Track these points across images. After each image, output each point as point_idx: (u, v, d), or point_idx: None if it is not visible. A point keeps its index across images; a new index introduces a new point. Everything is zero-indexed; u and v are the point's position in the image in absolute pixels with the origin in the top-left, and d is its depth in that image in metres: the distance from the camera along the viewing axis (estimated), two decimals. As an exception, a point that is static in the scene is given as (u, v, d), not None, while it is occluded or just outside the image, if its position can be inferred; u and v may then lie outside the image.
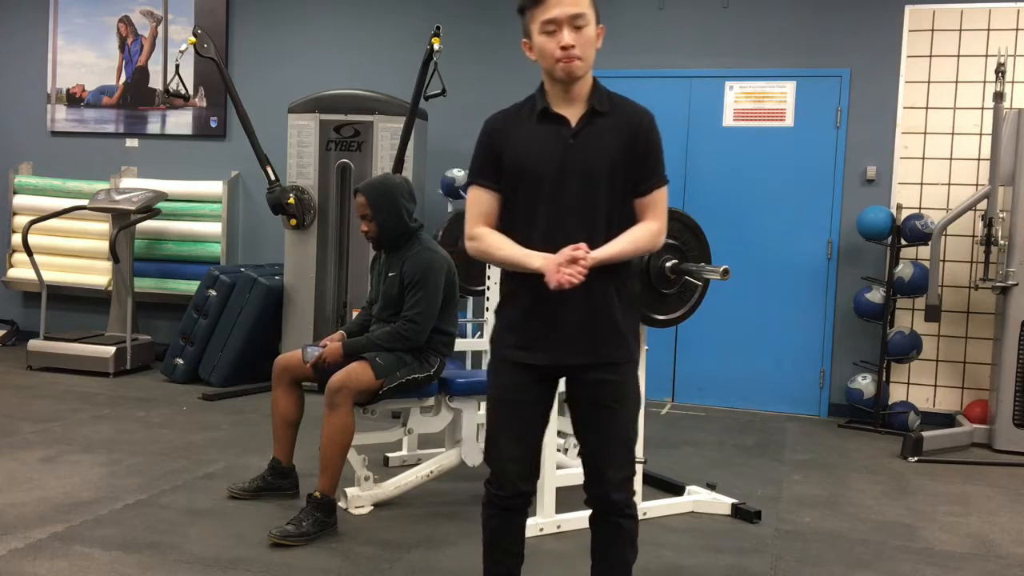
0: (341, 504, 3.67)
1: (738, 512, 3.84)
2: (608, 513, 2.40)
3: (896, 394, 5.78)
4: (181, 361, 6.11)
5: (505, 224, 2.37)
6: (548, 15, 2.24)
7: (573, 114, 2.32)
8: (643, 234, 2.32)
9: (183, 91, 6.20)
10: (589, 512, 2.45)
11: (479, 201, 2.39)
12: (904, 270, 5.47)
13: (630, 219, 2.34)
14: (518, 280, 2.34)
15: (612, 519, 2.40)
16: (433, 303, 3.65)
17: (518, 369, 2.37)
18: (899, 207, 5.60)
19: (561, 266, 2.19)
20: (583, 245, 2.20)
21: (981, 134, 5.61)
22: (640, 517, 3.71)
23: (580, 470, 3.94)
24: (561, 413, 3.17)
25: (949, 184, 5.71)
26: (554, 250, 2.23)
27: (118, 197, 6.44)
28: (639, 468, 3.79)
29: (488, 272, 4.53)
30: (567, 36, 2.23)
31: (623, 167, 2.30)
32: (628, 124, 2.32)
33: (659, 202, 2.35)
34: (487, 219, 2.38)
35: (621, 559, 2.43)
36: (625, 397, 2.36)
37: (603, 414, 2.35)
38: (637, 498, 3.75)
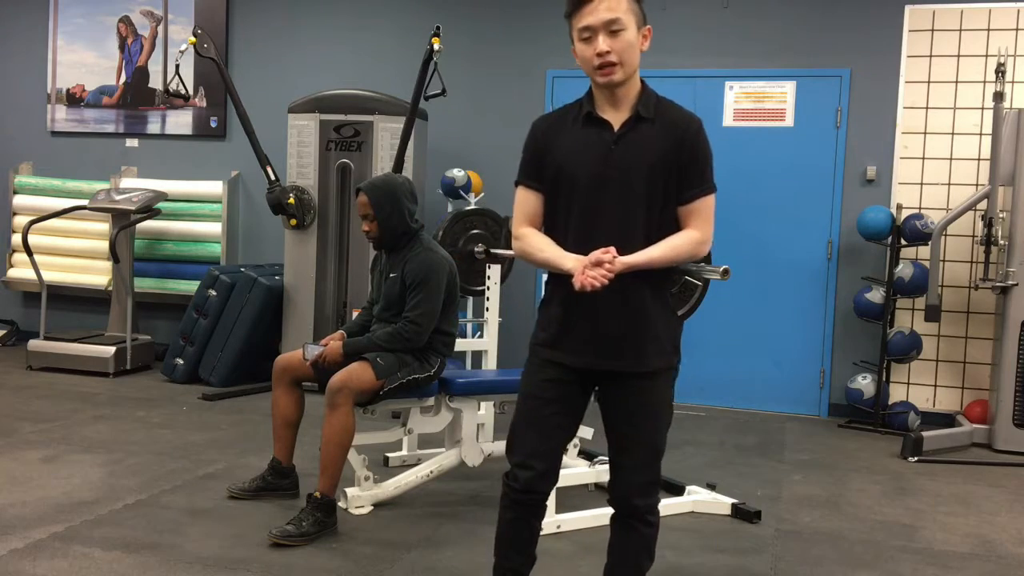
0: (341, 504, 3.67)
1: (738, 512, 3.84)
2: (628, 517, 2.39)
3: (896, 394, 5.78)
4: (181, 361, 6.11)
5: (547, 225, 2.38)
6: (583, 22, 2.24)
7: (618, 119, 2.30)
8: (683, 242, 2.29)
9: (183, 91, 6.20)
10: (610, 511, 2.44)
11: (524, 202, 2.40)
12: (904, 270, 5.47)
13: (673, 227, 2.31)
14: (557, 281, 2.35)
15: (631, 523, 2.39)
16: (435, 304, 3.65)
17: (548, 367, 2.37)
18: (899, 207, 5.60)
19: (587, 268, 2.18)
20: (612, 249, 2.19)
21: (981, 134, 5.61)
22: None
23: (580, 470, 3.98)
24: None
25: (949, 184, 5.71)
26: (587, 253, 2.22)
27: (118, 197, 6.44)
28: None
29: (488, 272, 4.54)
30: (602, 43, 2.22)
31: (664, 174, 2.27)
32: (673, 130, 2.29)
33: (703, 210, 2.30)
34: (531, 219, 2.39)
35: (635, 564, 2.42)
36: (657, 405, 2.34)
37: (632, 418, 2.34)
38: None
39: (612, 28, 2.22)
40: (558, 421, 2.38)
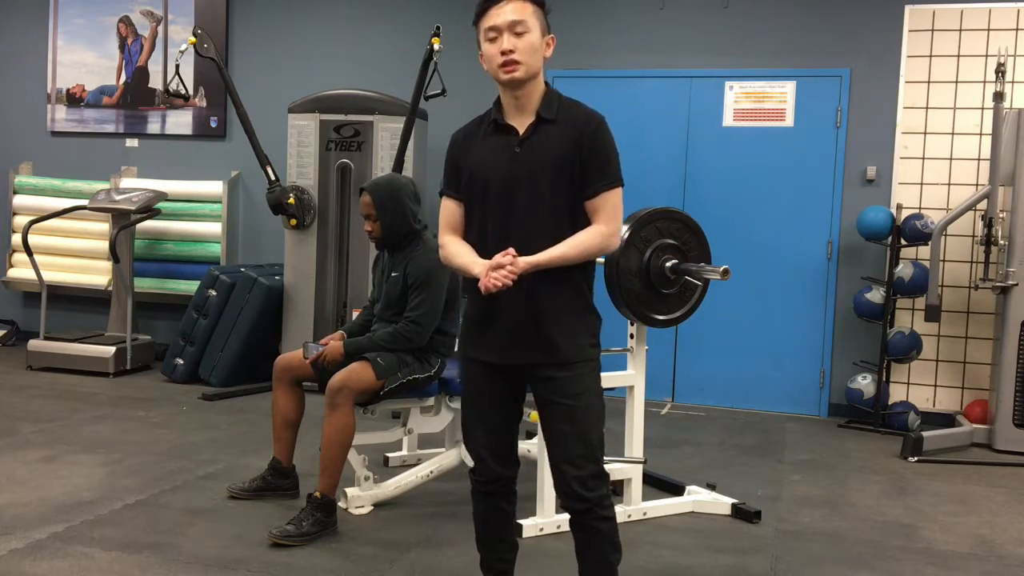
0: (341, 504, 3.67)
1: (738, 512, 3.84)
2: (583, 515, 2.42)
3: (896, 394, 5.78)
4: (181, 361, 6.11)
5: (467, 233, 2.50)
6: (489, 23, 2.37)
7: (522, 123, 2.41)
8: (588, 237, 2.36)
9: (183, 91, 6.20)
10: (568, 517, 2.49)
11: (446, 210, 2.55)
12: (904, 270, 5.47)
13: (578, 221, 2.39)
14: (473, 284, 2.43)
15: (588, 522, 2.42)
16: (436, 305, 3.66)
17: (477, 364, 2.49)
18: (899, 207, 5.60)
19: (490, 271, 2.28)
20: (511, 251, 2.29)
21: (981, 134, 5.61)
22: (640, 517, 3.76)
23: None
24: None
25: (949, 184, 5.71)
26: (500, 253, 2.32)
27: (118, 197, 6.44)
28: (638, 468, 3.80)
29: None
30: (506, 41, 2.34)
31: (568, 172, 2.36)
32: (573, 129, 2.37)
33: (608, 205, 2.38)
34: (453, 227, 2.53)
35: (603, 561, 2.45)
36: (580, 394, 2.39)
37: (558, 411, 2.41)
38: (636, 498, 3.78)
39: (516, 30, 2.35)
40: (499, 412, 2.51)
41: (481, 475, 2.54)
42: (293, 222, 5.97)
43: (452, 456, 4.00)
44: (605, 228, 2.38)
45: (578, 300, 2.42)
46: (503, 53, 2.34)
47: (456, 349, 2.59)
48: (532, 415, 2.63)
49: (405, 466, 4.27)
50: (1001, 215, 5.22)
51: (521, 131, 2.40)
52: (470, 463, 3.95)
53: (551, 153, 2.36)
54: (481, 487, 2.56)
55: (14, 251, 7.26)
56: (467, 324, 2.53)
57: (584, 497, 2.38)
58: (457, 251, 2.47)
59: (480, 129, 2.49)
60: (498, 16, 2.35)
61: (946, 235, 5.54)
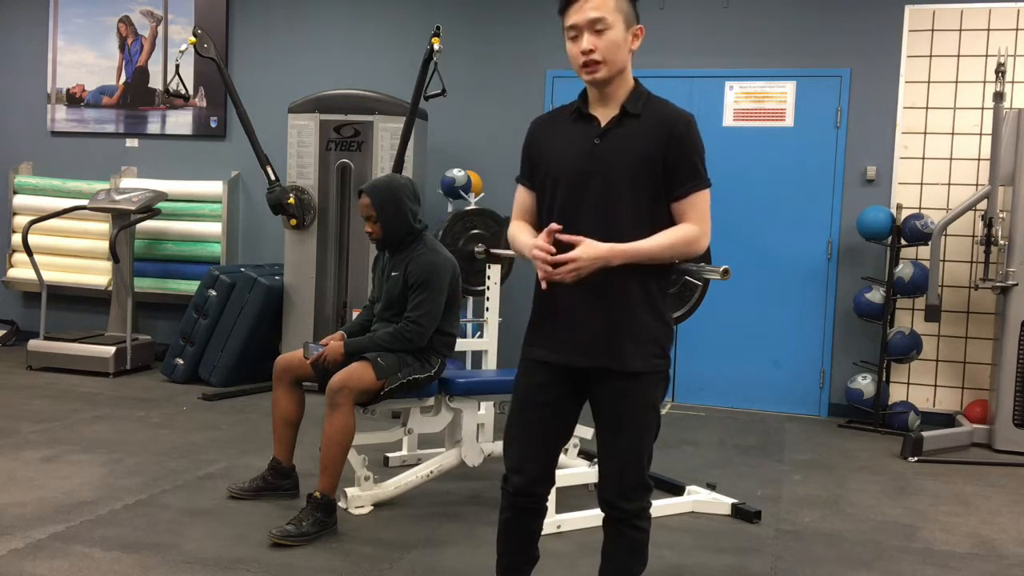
0: (341, 504, 3.67)
1: (738, 512, 3.84)
2: (617, 522, 2.37)
3: (896, 394, 5.78)
4: (181, 361, 6.11)
5: (540, 222, 2.38)
6: (569, 21, 2.27)
7: (606, 115, 2.31)
8: (680, 234, 2.25)
9: (183, 91, 6.20)
10: (599, 514, 2.43)
11: (517, 198, 2.46)
12: (904, 270, 5.47)
13: (663, 225, 2.28)
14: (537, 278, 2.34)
15: (620, 528, 2.38)
16: (437, 305, 3.65)
17: (537, 369, 2.37)
18: (899, 207, 5.60)
19: (543, 263, 2.18)
20: (554, 226, 2.19)
21: (981, 134, 5.61)
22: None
23: (580, 470, 3.98)
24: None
25: (949, 184, 5.71)
26: (567, 250, 2.19)
27: (118, 197, 6.44)
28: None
29: (488, 272, 4.54)
30: (586, 41, 2.24)
31: (649, 170, 2.25)
32: (660, 127, 2.27)
33: (698, 206, 2.28)
34: (523, 214, 2.44)
35: (625, 568, 2.41)
36: (638, 408, 2.30)
37: (614, 420, 2.32)
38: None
39: (597, 27, 2.23)
40: (548, 426, 2.38)
41: (513, 487, 2.41)
42: (293, 222, 5.97)
43: (452, 456, 4.00)
44: (696, 228, 2.26)
45: (653, 306, 2.30)
46: (583, 53, 2.24)
47: (524, 348, 2.43)
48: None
49: (405, 466, 4.27)
50: (1001, 215, 5.22)
51: (603, 122, 2.30)
52: (470, 463, 3.98)
53: (633, 149, 2.26)
54: (511, 498, 2.42)
55: (14, 251, 7.26)
56: (531, 321, 2.40)
57: (623, 508, 2.34)
58: (514, 232, 2.40)
59: (561, 117, 2.39)
60: (577, 14, 2.24)
61: (946, 235, 5.54)
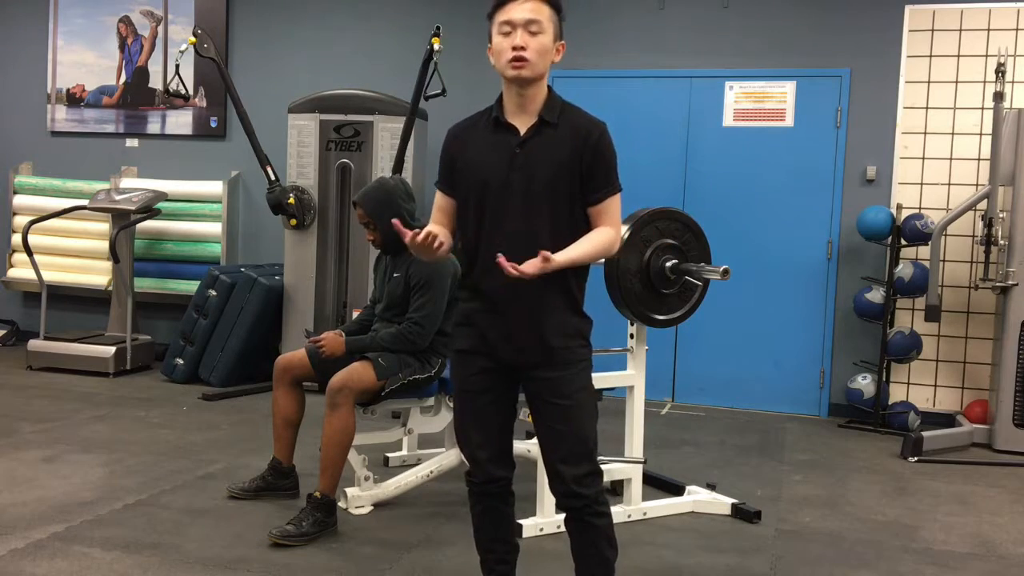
0: (341, 504, 3.67)
1: (738, 512, 3.84)
2: (578, 512, 2.43)
3: (896, 394, 5.78)
4: (181, 361, 6.11)
5: (460, 229, 2.49)
6: (505, 16, 2.36)
7: (524, 124, 2.40)
8: (603, 238, 2.38)
9: (183, 91, 6.20)
10: (563, 516, 2.49)
11: (437, 204, 2.55)
12: (904, 270, 5.47)
13: (579, 227, 2.39)
14: (468, 281, 2.45)
15: (584, 519, 2.43)
16: (439, 306, 3.66)
17: (470, 358, 2.47)
18: (899, 207, 5.60)
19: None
20: (534, 262, 2.22)
21: (981, 134, 5.61)
22: (640, 517, 3.76)
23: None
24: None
25: (949, 184, 5.71)
26: (496, 253, 2.25)
27: (118, 197, 6.44)
28: (638, 468, 3.80)
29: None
30: (520, 37, 2.32)
31: (568, 177, 2.36)
32: (575, 135, 2.37)
33: (611, 210, 2.41)
34: (442, 221, 2.53)
35: (600, 558, 2.46)
36: (573, 394, 2.40)
37: (551, 411, 2.41)
38: (636, 498, 3.77)
39: (531, 28, 2.33)
40: (493, 409, 2.49)
41: (477, 476, 2.53)
42: (293, 222, 5.97)
43: (452, 456, 4.00)
44: (614, 231, 2.41)
45: (570, 301, 2.42)
46: (514, 48, 2.32)
47: (452, 345, 2.55)
48: (530, 416, 2.62)
49: (405, 466, 4.27)
50: (1001, 215, 5.22)
51: (522, 131, 2.39)
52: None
53: (552, 156, 2.36)
54: (477, 488, 2.55)
55: (14, 251, 7.26)
56: (459, 319, 2.51)
57: (580, 495, 2.40)
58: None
59: (479, 125, 2.47)
60: (515, 11, 2.34)
61: (946, 235, 5.54)
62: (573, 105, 2.45)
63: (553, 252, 2.28)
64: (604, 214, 2.40)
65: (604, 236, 2.38)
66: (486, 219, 2.40)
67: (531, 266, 2.20)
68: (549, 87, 2.44)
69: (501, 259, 2.18)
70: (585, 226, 2.40)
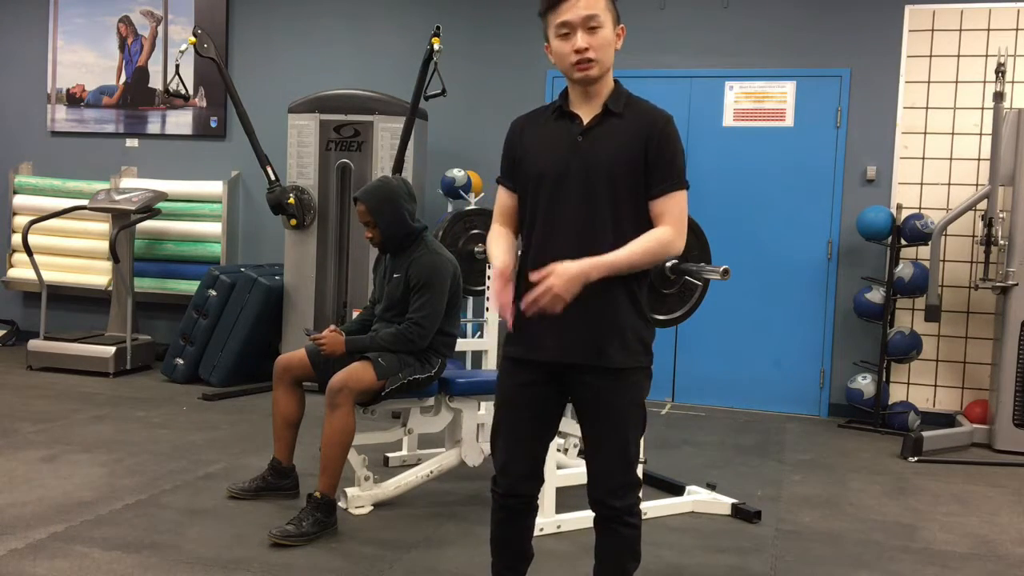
0: (341, 504, 3.67)
1: (738, 512, 3.84)
2: (607, 520, 2.38)
3: (896, 394, 5.78)
4: (181, 361, 6.11)
5: (523, 221, 2.38)
6: (562, 18, 2.24)
7: (588, 113, 2.31)
8: (651, 241, 2.24)
9: (183, 91, 6.20)
10: (592, 514, 2.44)
11: (498, 199, 2.45)
12: (904, 270, 5.47)
13: (640, 221, 2.28)
14: (521, 278, 2.34)
15: (611, 526, 2.38)
16: (439, 307, 3.65)
17: (518, 367, 2.36)
18: (899, 207, 5.60)
19: (538, 293, 2.14)
20: (549, 269, 2.14)
21: (981, 134, 5.61)
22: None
23: (581, 470, 3.96)
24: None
25: (949, 184, 5.71)
26: (549, 250, 2.20)
27: (118, 197, 6.44)
28: (638, 468, 3.80)
29: (488, 272, 4.55)
30: (580, 39, 2.22)
31: (629, 169, 2.25)
32: (640, 126, 2.27)
33: (674, 207, 2.27)
34: (503, 217, 2.43)
35: (619, 566, 2.42)
36: (624, 405, 2.31)
37: (599, 419, 2.32)
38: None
39: (590, 25, 2.22)
40: (532, 426, 2.38)
41: (501, 488, 2.42)
42: (293, 222, 5.97)
43: (452, 456, 4.00)
44: (671, 231, 2.25)
45: (634, 304, 2.30)
46: (577, 51, 2.22)
47: (504, 348, 2.42)
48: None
49: (405, 466, 4.27)
50: (1001, 215, 5.22)
51: (586, 120, 2.29)
52: (470, 463, 3.98)
53: (615, 146, 2.25)
54: (500, 499, 2.44)
55: (14, 251, 7.26)
56: (517, 320, 2.34)
57: (613, 506, 2.34)
58: (489, 243, 2.41)
59: (544, 116, 2.38)
60: (571, 11, 2.21)
61: (946, 235, 5.54)
62: (639, 97, 2.35)
63: (613, 247, 2.19)
64: (666, 213, 2.26)
65: (655, 237, 2.23)
66: (541, 212, 2.29)
67: (560, 287, 2.10)
68: (615, 79, 2.34)
69: (534, 276, 2.10)
70: (647, 220, 2.28)
